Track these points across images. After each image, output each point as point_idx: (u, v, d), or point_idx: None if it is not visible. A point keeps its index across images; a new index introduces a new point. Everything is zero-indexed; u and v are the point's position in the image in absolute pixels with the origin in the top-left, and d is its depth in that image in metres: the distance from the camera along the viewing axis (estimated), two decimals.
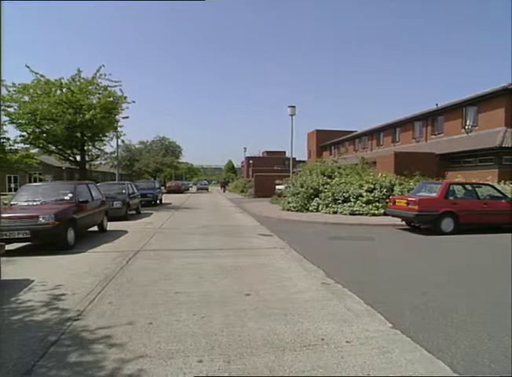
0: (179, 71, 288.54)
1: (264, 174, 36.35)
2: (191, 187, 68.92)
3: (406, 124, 31.84)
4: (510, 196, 12.54)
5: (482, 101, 23.30)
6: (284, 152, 73.16)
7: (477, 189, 12.03)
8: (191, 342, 3.66)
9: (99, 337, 3.79)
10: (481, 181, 14.06)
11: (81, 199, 9.88)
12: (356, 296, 5.07)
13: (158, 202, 24.99)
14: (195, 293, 5.27)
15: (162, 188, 38.40)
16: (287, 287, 5.59)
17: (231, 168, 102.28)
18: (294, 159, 28.34)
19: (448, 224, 11.08)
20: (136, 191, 18.99)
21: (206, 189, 59.31)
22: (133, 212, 17.61)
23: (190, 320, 4.24)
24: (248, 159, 69.04)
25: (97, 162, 27.83)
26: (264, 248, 8.93)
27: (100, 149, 23.36)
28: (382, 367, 3.14)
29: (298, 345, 3.58)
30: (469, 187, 12.18)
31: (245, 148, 65.21)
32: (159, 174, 56.66)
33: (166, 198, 31.03)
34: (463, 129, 24.57)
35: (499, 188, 13.22)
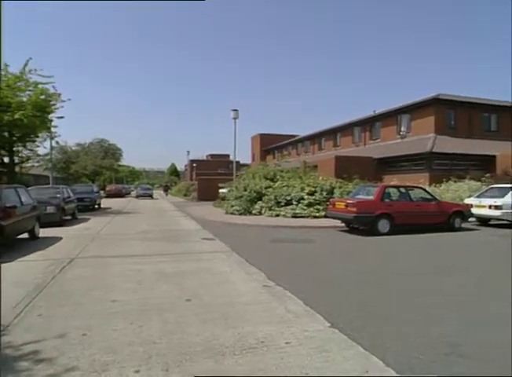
0: (118, 71, 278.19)
1: (207, 178, 36.17)
2: (132, 191, 65.38)
3: (346, 129, 33.20)
4: (438, 198, 13.49)
5: (414, 109, 24.93)
6: (228, 155, 73.13)
7: (410, 192, 12.77)
8: (127, 351, 3.51)
9: (25, 353, 3.51)
10: (414, 184, 14.97)
11: (8, 204, 9.18)
12: (296, 297, 5.14)
13: (96, 206, 23.95)
14: (133, 300, 5.07)
15: (102, 191, 36.87)
16: (229, 290, 5.56)
17: (174, 171, 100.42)
18: (237, 162, 28.49)
19: (384, 225, 11.63)
20: (72, 195, 18.04)
21: (150, 196, 44.16)
22: (69, 217, 16.69)
23: (127, 329, 4.07)
24: (192, 162, 68.26)
25: (29, 165, 26.11)
26: (206, 252, 8.83)
27: (31, 150, 21.95)
28: (320, 366, 3.21)
29: (239, 348, 3.55)
30: (403, 190, 12.89)
31: (188, 151, 64.46)
32: (98, 178, 54.35)
33: (106, 202, 29.82)
34: (398, 135, 26.08)
35: (430, 191, 14.18)
